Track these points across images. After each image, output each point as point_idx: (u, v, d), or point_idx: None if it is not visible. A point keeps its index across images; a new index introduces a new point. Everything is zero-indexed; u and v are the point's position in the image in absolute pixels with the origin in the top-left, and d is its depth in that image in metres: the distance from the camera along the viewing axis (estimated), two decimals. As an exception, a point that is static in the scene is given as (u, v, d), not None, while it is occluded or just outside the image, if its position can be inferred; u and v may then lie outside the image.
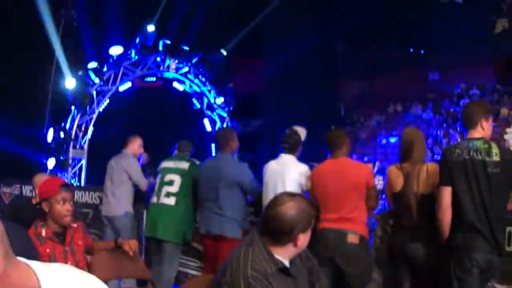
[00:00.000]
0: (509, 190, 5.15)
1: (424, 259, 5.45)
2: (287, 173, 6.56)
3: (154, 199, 7.76)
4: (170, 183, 7.66)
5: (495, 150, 5.11)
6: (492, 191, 5.01)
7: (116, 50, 18.77)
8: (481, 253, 4.92)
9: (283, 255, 3.45)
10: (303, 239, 3.47)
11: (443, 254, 5.11)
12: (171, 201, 7.56)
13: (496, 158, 5.05)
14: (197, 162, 7.94)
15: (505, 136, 28.03)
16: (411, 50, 33.86)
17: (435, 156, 22.75)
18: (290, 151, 6.74)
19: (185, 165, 7.75)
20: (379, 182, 11.66)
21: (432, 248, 5.33)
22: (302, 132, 6.87)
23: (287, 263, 3.49)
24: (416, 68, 32.76)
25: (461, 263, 4.93)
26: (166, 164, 7.98)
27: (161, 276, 7.21)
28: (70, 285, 1.44)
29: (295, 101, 25.26)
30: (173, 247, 7.48)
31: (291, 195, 3.61)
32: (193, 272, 8.25)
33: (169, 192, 7.61)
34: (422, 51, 33.35)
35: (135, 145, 9.02)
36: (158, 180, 7.88)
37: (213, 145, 22.44)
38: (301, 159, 6.86)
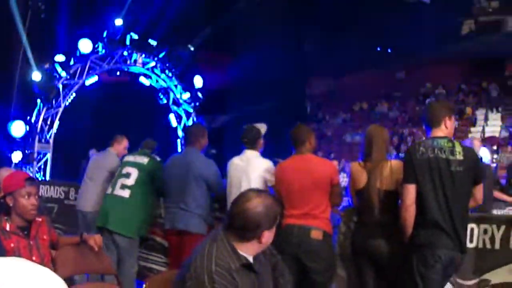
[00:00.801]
0: (471, 188, 5.23)
1: (387, 255, 5.50)
2: (251, 169, 6.57)
3: (109, 190, 7.74)
4: (127, 175, 7.65)
5: (458, 148, 5.17)
6: (455, 189, 5.08)
7: (83, 44, 18.62)
8: (445, 250, 4.99)
9: (247, 251, 3.46)
10: (268, 236, 3.49)
11: (406, 251, 5.16)
12: (125, 193, 7.53)
13: (459, 156, 5.11)
14: (158, 159, 7.94)
15: (470, 135, 28.38)
16: (378, 49, 34.08)
17: (400, 154, 22.93)
18: (252, 146, 6.75)
19: (144, 160, 7.76)
20: (343, 179, 11.74)
21: (394, 245, 5.38)
22: (262, 127, 6.87)
23: (251, 259, 3.50)
24: (382, 67, 33.00)
25: (425, 260, 4.99)
26: (127, 158, 8.01)
27: (121, 272, 7.16)
28: (23, 278, 1.46)
29: (262, 97, 25.27)
30: (127, 242, 7.44)
31: (258, 192, 3.62)
32: (158, 268, 8.24)
33: (124, 184, 7.59)
34: (389, 50, 33.60)
35: (121, 146, 9.06)
36: (117, 172, 7.89)
37: (178, 140, 22.50)
38: (266, 155, 6.88)
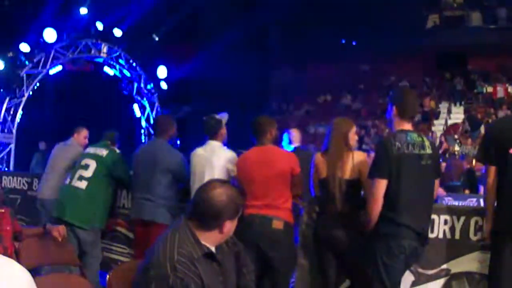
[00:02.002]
0: (435, 181, 5.37)
1: (348, 245, 5.60)
2: (214, 160, 6.58)
3: (67, 181, 7.72)
4: (85, 167, 7.64)
5: (427, 142, 5.26)
6: (423, 182, 5.20)
7: (48, 33, 18.42)
8: (409, 241, 5.08)
9: (209, 240, 3.48)
10: (230, 226, 3.52)
11: (369, 241, 5.24)
12: (83, 185, 7.52)
13: (428, 150, 5.20)
14: (117, 151, 7.94)
15: (433, 128, 28.66)
16: (343, 41, 34.19)
17: (364, 146, 23.11)
18: (213, 137, 6.76)
19: (103, 152, 7.75)
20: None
21: (356, 234, 5.46)
22: (223, 118, 6.89)
23: (213, 249, 3.53)
24: (347, 59, 33.09)
25: (389, 250, 5.08)
26: (88, 149, 8.01)
27: (84, 263, 7.13)
28: None
29: (226, 88, 25.27)
30: (85, 234, 7.43)
31: (222, 182, 3.66)
32: (123, 259, 8.24)
33: (82, 176, 7.58)
34: (353, 43, 33.70)
35: (81, 136, 9.02)
36: (77, 163, 7.87)
37: (142, 131, 22.42)
38: (229, 146, 6.92)
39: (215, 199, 3.43)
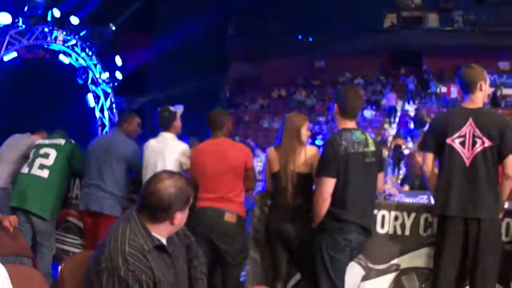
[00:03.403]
0: (378, 174, 5.53)
1: (299, 238, 5.65)
2: (167, 152, 6.56)
3: (25, 170, 7.54)
4: (45, 155, 7.52)
5: (370, 140, 5.40)
6: (367, 179, 5.34)
7: (2, 16, 18.11)
8: (355, 234, 5.23)
9: (160, 232, 3.49)
10: (180, 217, 3.53)
11: (316, 234, 5.32)
12: (44, 173, 7.40)
13: (372, 148, 5.35)
14: (73, 142, 7.88)
15: (385, 126, 28.95)
16: (300, 37, 34.29)
17: (317, 142, 23.26)
18: (167, 128, 6.75)
19: (61, 141, 7.67)
20: (258, 164, 11.87)
21: (307, 228, 5.50)
22: (178, 109, 6.87)
23: (164, 241, 3.53)
24: (303, 55, 33.21)
25: (335, 243, 5.19)
26: (41, 140, 7.88)
27: (37, 255, 7.07)
28: None
29: (182, 80, 25.17)
30: (44, 224, 7.33)
31: (170, 173, 3.65)
32: (74, 250, 8.16)
33: (43, 164, 7.45)
34: (310, 39, 33.82)
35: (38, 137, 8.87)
36: (32, 153, 7.69)
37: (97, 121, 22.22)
38: (184, 138, 6.91)
39: (163, 191, 3.43)
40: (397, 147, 15.96)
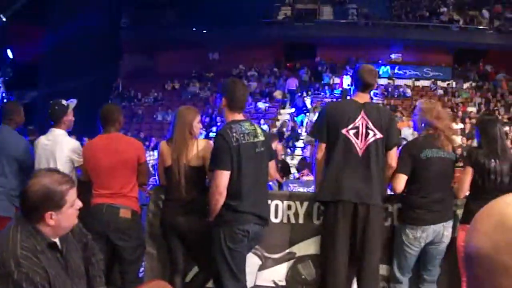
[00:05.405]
0: (270, 162, 5.68)
1: (194, 231, 5.71)
2: (58, 149, 6.40)
3: None
4: None
5: (259, 130, 5.55)
6: (259, 168, 5.46)
7: None
8: (252, 224, 5.32)
9: (46, 232, 3.39)
10: (59, 218, 3.40)
11: (213, 227, 5.36)
12: None
13: (261, 137, 5.48)
14: None
15: (279, 117, 29.31)
16: (194, 29, 34.22)
17: (211, 135, 23.30)
18: (57, 124, 6.56)
19: None
20: (150, 158, 11.83)
21: (202, 221, 5.54)
22: (71, 104, 6.72)
23: (57, 240, 3.47)
24: (196, 47, 33.19)
25: (234, 235, 5.25)
26: None
27: None
28: None
29: (75, 73, 24.76)
30: None
31: (44, 171, 3.61)
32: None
33: None
34: (204, 31, 33.79)
35: None
36: None
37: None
38: (77, 133, 6.78)
39: (29, 191, 3.35)
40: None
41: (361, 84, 5.70)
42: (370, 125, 5.52)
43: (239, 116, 5.56)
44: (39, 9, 26.13)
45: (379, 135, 5.53)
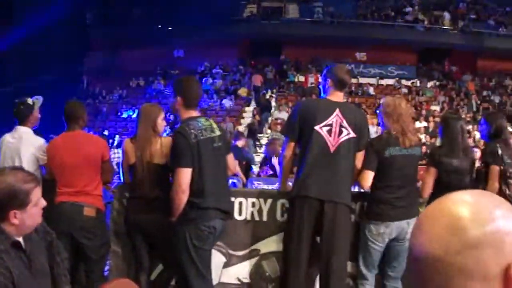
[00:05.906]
0: (227, 156, 5.77)
1: (158, 229, 5.70)
2: (23, 147, 6.35)
3: None
4: None
5: (214, 125, 5.63)
6: (218, 163, 5.53)
7: None
8: (217, 220, 5.36)
9: (10, 231, 3.36)
10: (23, 217, 3.37)
11: (178, 225, 5.37)
12: None
13: (218, 132, 5.55)
14: None
15: (244, 114, 29.35)
16: (159, 26, 34.14)
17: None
18: (22, 122, 6.50)
19: None
20: (114, 156, 11.77)
21: (165, 219, 5.53)
22: (36, 101, 6.68)
23: (20, 239, 3.45)
24: (161, 44, 33.11)
25: (199, 232, 5.27)
26: None
27: None
28: None
29: (40, 70, 24.57)
30: None
31: (7, 170, 3.59)
32: None
33: None
34: (169, 28, 33.72)
35: None
36: None
37: None
38: (42, 130, 6.73)
39: None
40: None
41: (337, 83, 5.75)
42: (345, 123, 5.57)
43: (195, 113, 5.59)
44: (5, 6, 25.86)
45: (352, 135, 5.59)
